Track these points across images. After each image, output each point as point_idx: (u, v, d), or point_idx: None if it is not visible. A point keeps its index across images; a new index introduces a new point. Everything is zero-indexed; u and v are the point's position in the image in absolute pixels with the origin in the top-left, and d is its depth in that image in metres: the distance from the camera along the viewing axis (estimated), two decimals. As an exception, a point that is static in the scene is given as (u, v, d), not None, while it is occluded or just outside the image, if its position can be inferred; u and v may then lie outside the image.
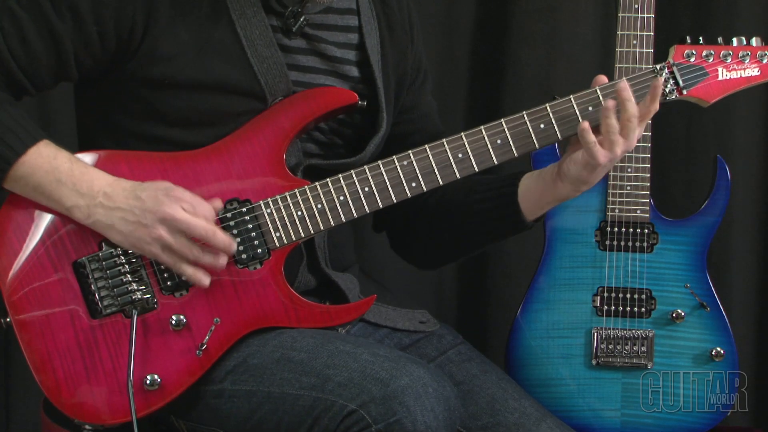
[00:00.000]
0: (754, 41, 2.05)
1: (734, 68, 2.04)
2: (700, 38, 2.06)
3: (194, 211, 1.92)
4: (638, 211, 2.52)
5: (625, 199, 2.52)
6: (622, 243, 2.53)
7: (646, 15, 2.47)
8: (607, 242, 2.53)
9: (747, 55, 2.04)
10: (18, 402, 2.93)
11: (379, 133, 2.13)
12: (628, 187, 2.52)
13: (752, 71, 2.04)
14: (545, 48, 3.01)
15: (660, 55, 2.39)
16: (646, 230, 2.53)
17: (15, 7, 1.94)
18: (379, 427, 1.82)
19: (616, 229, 2.53)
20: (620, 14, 2.47)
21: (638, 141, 2.47)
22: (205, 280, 1.94)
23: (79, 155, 1.98)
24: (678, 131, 3.04)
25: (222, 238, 1.93)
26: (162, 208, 1.90)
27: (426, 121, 2.28)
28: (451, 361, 2.17)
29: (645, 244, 2.53)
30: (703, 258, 2.53)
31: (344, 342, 1.95)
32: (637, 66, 2.45)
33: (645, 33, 2.46)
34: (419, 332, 2.22)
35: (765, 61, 2.04)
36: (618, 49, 2.47)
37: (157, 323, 1.95)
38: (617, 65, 2.46)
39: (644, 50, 2.45)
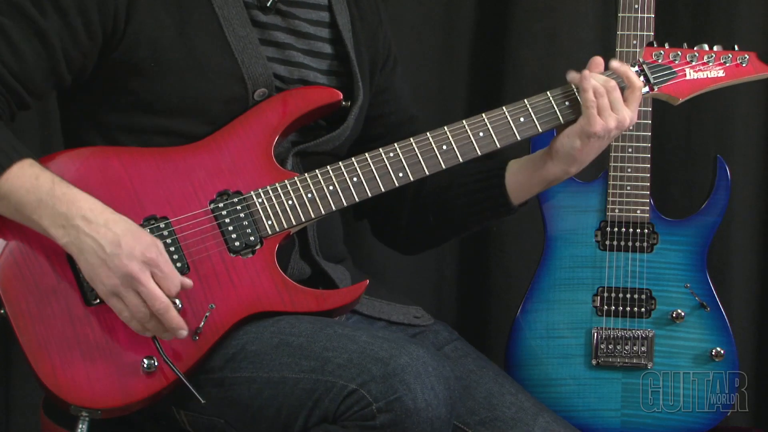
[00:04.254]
0: (715, 47, 2.17)
1: (701, 69, 2.15)
2: (666, 43, 2.16)
3: (163, 277, 1.89)
4: (638, 211, 2.52)
5: (625, 199, 2.52)
6: (622, 243, 2.53)
7: (646, 15, 2.47)
8: (607, 242, 2.53)
9: (711, 57, 2.15)
10: (18, 402, 2.93)
11: (357, 103, 2.16)
12: (628, 187, 2.52)
13: (717, 72, 2.16)
14: (545, 48, 3.01)
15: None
16: (646, 230, 2.53)
17: None
18: (379, 405, 1.83)
19: (616, 229, 2.53)
20: (620, 14, 2.47)
21: (638, 141, 2.49)
22: (145, 334, 1.92)
23: (71, 151, 1.99)
24: (678, 131, 3.04)
25: (173, 318, 1.90)
26: (131, 265, 1.87)
27: (400, 103, 2.32)
28: (447, 357, 2.18)
29: (645, 244, 2.53)
30: (703, 258, 2.53)
31: (342, 326, 1.97)
32: (637, 66, 2.45)
33: (645, 33, 2.46)
34: (415, 326, 2.24)
35: (728, 63, 2.16)
36: (618, 49, 2.47)
37: None
38: (617, 65, 2.46)
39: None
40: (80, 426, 1.94)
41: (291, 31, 2.13)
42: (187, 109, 2.03)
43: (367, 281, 2.07)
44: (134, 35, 1.99)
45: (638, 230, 2.53)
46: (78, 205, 1.89)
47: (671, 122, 3.00)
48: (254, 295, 1.99)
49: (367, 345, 1.89)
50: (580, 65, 2.98)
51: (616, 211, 2.53)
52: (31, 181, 1.90)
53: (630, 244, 2.53)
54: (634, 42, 2.46)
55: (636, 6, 2.47)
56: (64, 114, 2.15)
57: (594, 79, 2.07)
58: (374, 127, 2.24)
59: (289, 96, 2.08)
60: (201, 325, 1.95)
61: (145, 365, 1.92)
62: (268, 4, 2.09)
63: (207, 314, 1.96)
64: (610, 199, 2.52)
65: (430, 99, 3.01)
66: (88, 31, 1.97)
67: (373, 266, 2.92)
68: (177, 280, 1.91)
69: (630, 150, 2.51)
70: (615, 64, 2.10)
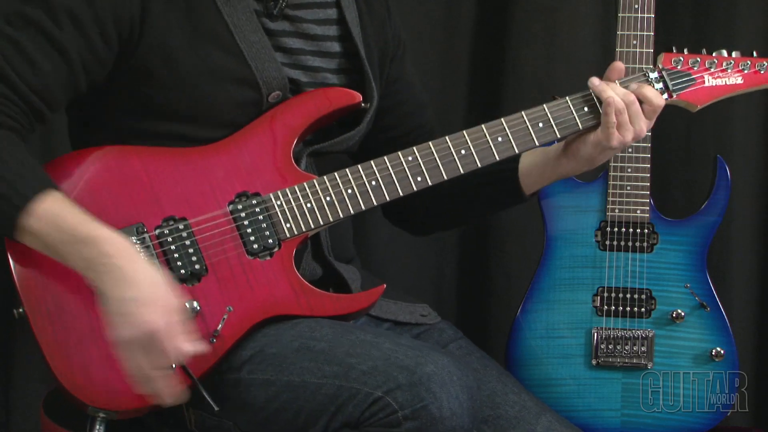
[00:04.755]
0: (734, 53, 2.16)
1: (719, 76, 2.15)
2: (685, 49, 2.15)
3: (173, 345, 1.84)
4: (638, 211, 2.52)
5: (625, 199, 2.52)
6: (622, 243, 2.53)
7: (646, 15, 2.47)
8: (607, 242, 2.53)
9: (730, 64, 2.15)
10: (18, 402, 2.93)
11: (374, 104, 2.16)
12: (628, 187, 2.52)
13: (736, 80, 2.16)
14: (545, 48, 3.01)
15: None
16: (646, 230, 2.53)
17: (9, 31, 1.90)
18: (405, 413, 1.83)
19: (616, 229, 2.53)
20: (620, 14, 2.47)
21: (638, 141, 2.49)
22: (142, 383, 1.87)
23: (91, 150, 1.98)
24: (678, 131, 3.04)
25: (167, 383, 1.86)
26: (150, 325, 1.82)
27: (411, 90, 2.32)
28: (451, 355, 2.18)
29: (645, 244, 2.53)
30: (703, 258, 2.53)
31: (364, 332, 1.97)
32: (637, 66, 2.45)
33: (645, 33, 2.46)
34: (420, 325, 2.24)
35: (747, 70, 2.15)
36: (618, 49, 2.47)
37: None
38: (617, 65, 2.46)
39: (644, 50, 2.46)
40: (97, 427, 1.94)
41: (300, 35, 2.11)
42: (200, 115, 2.02)
43: (384, 286, 2.06)
44: (148, 43, 1.97)
45: (638, 230, 2.53)
46: (100, 249, 1.85)
47: (671, 122, 2.99)
48: (271, 298, 1.99)
49: (392, 352, 1.89)
50: (580, 65, 3.00)
51: (616, 211, 2.53)
52: (55, 221, 1.85)
53: (630, 244, 2.53)
54: (634, 42, 2.46)
55: (636, 6, 2.46)
56: (72, 118, 2.13)
57: (614, 92, 2.06)
58: (386, 118, 2.23)
59: (309, 97, 2.07)
60: (219, 328, 1.95)
61: None
62: (275, 12, 2.07)
63: (225, 316, 1.96)
64: (610, 199, 2.52)
65: (430, 99, 3.01)
66: (105, 42, 1.95)
67: (373, 265, 2.92)
68: (186, 350, 1.86)
69: (630, 150, 2.51)
70: (634, 87, 2.08)
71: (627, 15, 2.47)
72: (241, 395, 1.96)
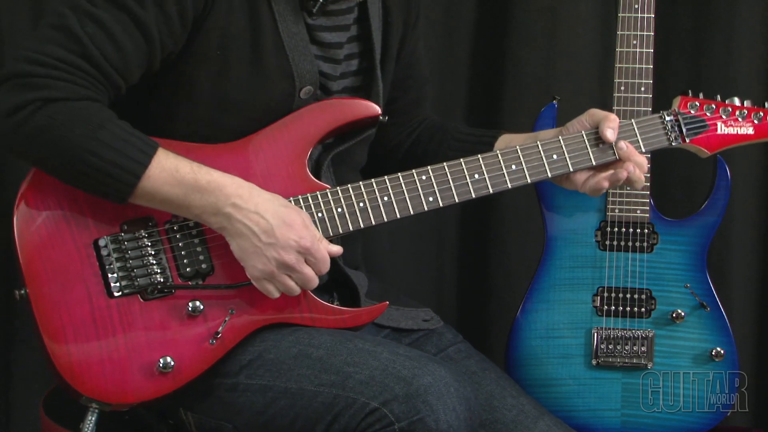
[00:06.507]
0: (746, 102, 2.23)
1: (731, 124, 2.21)
2: (700, 93, 2.21)
3: (315, 263, 1.96)
4: (638, 211, 2.52)
5: (625, 199, 2.52)
6: (622, 243, 2.53)
7: (646, 15, 2.47)
8: (607, 242, 2.53)
9: (744, 113, 2.22)
10: (18, 402, 2.93)
11: (381, 88, 2.16)
12: (628, 187, 2.51)
13: (747, 130, 2.22)
14: (545, 48, 3.01)
15: (659, 57, 2.40)
16: (646, 230, 2.53)
17: (92, 10, 1.90)
18: (401, 426, 1.84)
19: (616, 229, 2.53)
20: (620, 14, 2.47)
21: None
22: (275, 293, 1.97)
23: None
24: (678, 131, 3.04)
25: (315, 284, 1.98)
26: (288, 256, 1.92)
27: (419, 64, 2.34)
28: (450, 359, 2.18)
29: (645, 244, 2.53)
30: (703, 258, 2.53)
31: (362, 341, 1.97)
32: (636, 66, 2.45)
33: (645, 33, 2.46)
34: (421, 330, 2.23)
35: (758, 122, 2.22)
36: (618, 49, 2.47)
37: (174, 308, 1.96)
38: (617, 65, 2.46)
39: (644, 50, 2.46)
40: (89, 417, 1.95)
41: (338, 29, 2.11)
42: (236, 105, 2.01)
43: (387, 303, 2.08)
44: (213, 23, 1.97)
45: (638, 230, 2.52)
46: (225, 192, 1.92)
47: (671, 122, 3.00)
48: (274, 305, 1.99)
49: (389, 363, 1.89)
50: (581, 65, 3.00)
51: (616, 211, 2.52)
52: (173, 174, 1.91)
53: (630, 244, 2.52)
54: (634, 42, 2.46)
55: (636, 6, 2.46)
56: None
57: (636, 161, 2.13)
58: (392, 90, 2.24)
59: (329, 107, 2.07)
60: (220, 330, 1.95)
61: (160, 365, 1.92)
62: (314, 10, 2.05)
63: (227, 318, 1.96)
64: (610, 199, 2.52)
65: (431, 99, 3.01)
66: (182, 19, 1.95)
67: (374, 266, 2.91)
68: (328, 262, 1.97)
69: (630, 150, 2.50)
70: (624, 149, 2.13)
71: (627, 15, 2.47)
72: (239, 399, 1.96)
